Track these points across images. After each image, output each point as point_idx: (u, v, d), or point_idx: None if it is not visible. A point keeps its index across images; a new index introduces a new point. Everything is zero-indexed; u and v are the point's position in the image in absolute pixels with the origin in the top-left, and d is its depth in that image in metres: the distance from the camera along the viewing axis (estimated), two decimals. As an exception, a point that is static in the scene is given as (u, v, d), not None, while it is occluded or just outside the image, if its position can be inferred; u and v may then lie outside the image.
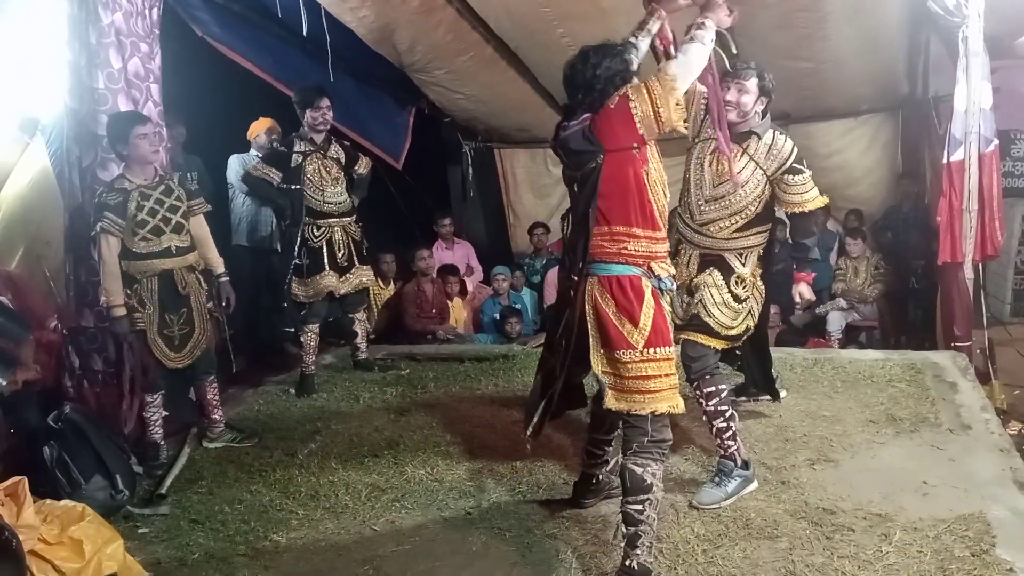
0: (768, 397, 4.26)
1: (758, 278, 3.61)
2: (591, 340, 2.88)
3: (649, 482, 2.82)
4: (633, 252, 2.82)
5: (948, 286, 5.49)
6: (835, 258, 7.59)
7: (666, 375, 2.85)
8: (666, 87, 2.76)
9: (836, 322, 7.22)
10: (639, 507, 2.82)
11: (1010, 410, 5.01)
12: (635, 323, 2.79)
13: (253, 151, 6.01)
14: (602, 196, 2.79)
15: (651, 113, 2.75)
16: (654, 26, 3.08)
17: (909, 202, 7.26)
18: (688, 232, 3.65)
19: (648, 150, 2.83)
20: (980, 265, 5.43)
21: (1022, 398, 5.27)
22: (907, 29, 6.15)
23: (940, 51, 5.98)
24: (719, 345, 3.56)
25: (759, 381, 4.17)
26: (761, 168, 3.49)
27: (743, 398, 4.42)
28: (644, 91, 2.77)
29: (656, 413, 2.84)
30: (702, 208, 3.55)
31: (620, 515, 2.90)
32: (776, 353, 4.64)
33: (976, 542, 3.03)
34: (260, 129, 6.04)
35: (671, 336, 2.91)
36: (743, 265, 3.55)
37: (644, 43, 3.08)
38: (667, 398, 2.85)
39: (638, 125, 2.76)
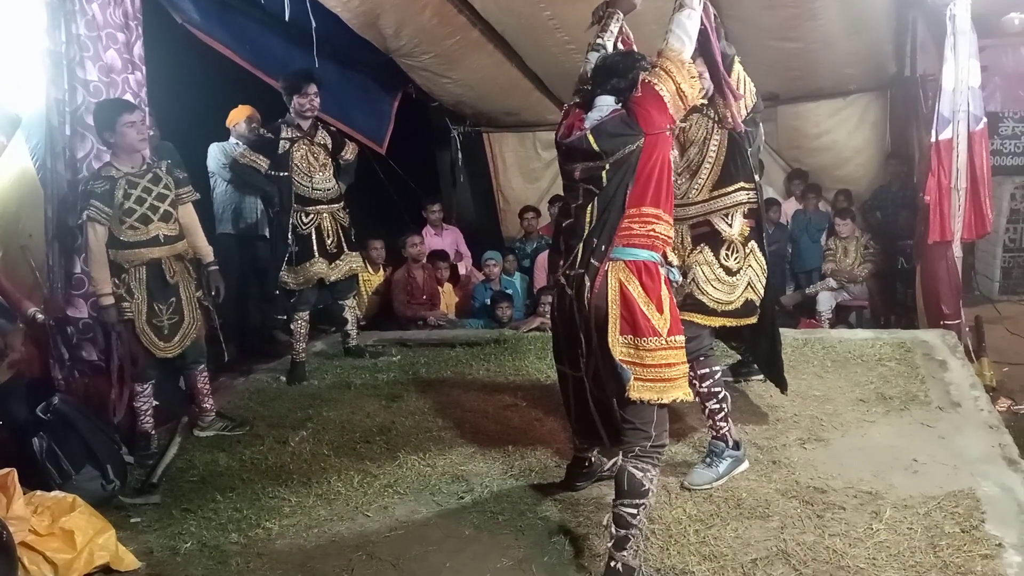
0: (760, 378, 4.27)
1: (756, 251, 3.55)
2: (611, 326, 2.83)
3: (647, 487, 2.82)
4: (659, 234, 2.88)
5: (935, 265, 5.50)
6: (825, 238, 7.60)
7: (682, 363, 2.89)
8: (676, 62, 2.87)
9: (826, 302, 7.25)
10: (633, 511, 2.80)
11: (999, 387, 5.05)
12: (660, 309, 2.82)
13: (233, 139, 5.95)
14: (637, 179, 2.83)
15: (675, 91, 2.84)
16: (615, 26, 3.20)
17: (898, 182, 7.27)
18: (679, 211, 3.63)
19: (669, 136, 2.93)
20: (968, 243, 5.44)
21: (1011, 375, 5.31)
22: (894, 8, 6.15)
23: (927, 30, 5.98)
24: (716, 323, 3.54)
25: (766, 368, 4.06)
26: (706, 115, 3.50)
27: (737, 379, 4.43)
28: (662, 72, 2.86)
29: (674, 401, 2.86)
30: (679, 183, 3.58)
31: (611, 515, 2.86)
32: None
33: (966, 518, 3.05)
34: (239, 117, 5.93)
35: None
36: (729, 226, 3.52)
37: (610, 43, 3.19)
38: (683, 386, 2.88)
39: (668, 105, 2.83)
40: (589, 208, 2.91)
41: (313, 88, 4.99)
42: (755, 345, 4.00)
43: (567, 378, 3.13)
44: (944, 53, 5.15)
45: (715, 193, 3.52)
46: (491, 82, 7.33)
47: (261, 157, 4.98)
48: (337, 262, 5.17)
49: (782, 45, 6.39)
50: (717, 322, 3.55)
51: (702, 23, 3.09)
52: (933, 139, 5.29)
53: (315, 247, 5.06)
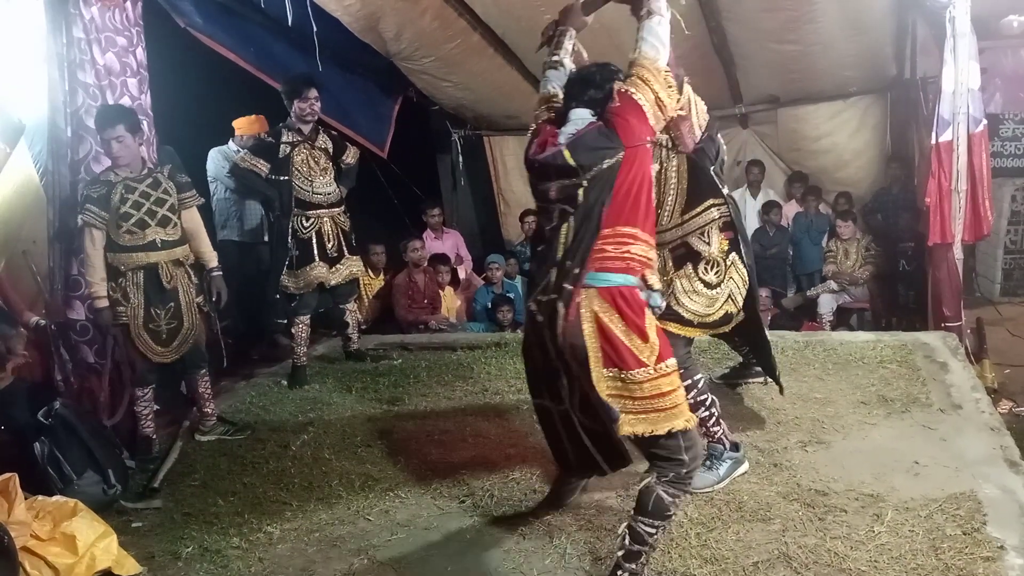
0: (762, 380, 4.27)
1: (736, 263, 3.53)
2: (592, 361, 2.67)
3: (672, 512, 2.73)
4: (635, 256, 2.70)
5: (937, 267, 5.50)
6: (826, 241, 7.60)
7: (676, 389, 2.70)
8: (652, 69, 2.76)
9: (827, 304, 7.25)
10: (652, 530, 2.71)
11: (1000, 389, 5.05)
12: (645, 338, 2.65)
13: (233, 144, 5.96)
14: (614, 195, 2.67)
15: (654, 99, 2.74)
16: (568, 44, 3.10)
17: (898, 184, 7.27)
18: (655, 238, 3.66)
19: (650, 148, 2.81)
20: (969, 245, 5.44)
21: (1012, 377, 5.31)
22: (894, 10, 6.14)
23: (927, 32, 5.98)
24: (693, 334, 3.55)
25: (763, 370, 4.09)
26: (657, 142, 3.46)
27: (739, 381, 4.43)
28: (638, 80, 2.75)
29: (674, 431, 2.68)
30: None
31: (627, 527, 2.76)
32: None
33: (967, 520, 3.05)
34: (249, 130, 5.90)
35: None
36: (708, 244, 3.51)
37: (567, 60, 3.10)
38: (684, 412, 2.70)
39: (648, 115, 2.73)
40: (564, 229, 2.74)
41: (313, 92, 5.00)
42: (746, 347, 4.04)
43: (550, 412, 2.97)
44: (944, 55, 5.16)
45: (686, 216, 3.50)
46: (492, 85, 7.33)
47: (262, 161, 4.99)
48: (338, 266, 5.18)
49: (782, 47, 6.40)
50: (693, 333, 3.54)
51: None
52: (933, 141, 5.29)
53: (315, 251, 5.06)
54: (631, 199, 2.69)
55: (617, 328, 2.64)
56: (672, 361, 2.70)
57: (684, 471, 2.71)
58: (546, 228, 2.82)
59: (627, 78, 2.79)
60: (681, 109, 3.24)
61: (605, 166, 2.67)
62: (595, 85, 2.80)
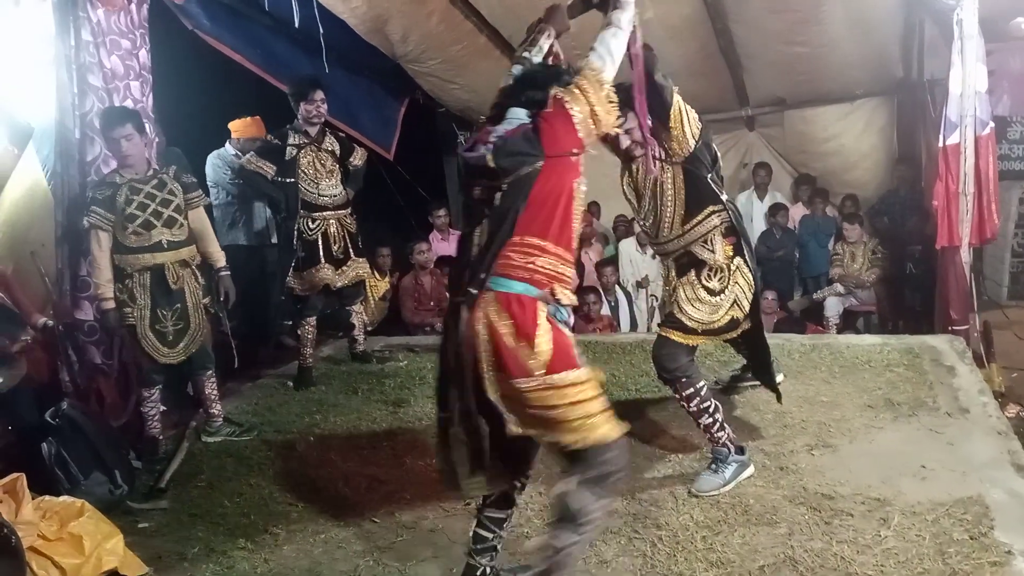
0: (753, 383, 4.27)
1: (742, 267, 3.53)
2: (484, 365, 2.56)
3: (583, 520, 2.53)
4: (540, 268, 2.57)
5: (945, 270, 5.49)
6: (832, 243, 7.59)
7: (574, 403, 2.51)
8: (592, 80, 2.62)
9: (834, 307, 7.23)
10: (568, 538, 2.52)
11: (1008, 393, 5.01)
12: (532, 346, 2.50)
13: (230, 147, 5.97)
14: (528, 204, 2.54)
15: (588, 112, 2.59)
16: (545, 43, 2.95)
17: (905, 186, 7.25)
18: (658, 248, 3.71)
19: (581, 162, 2.64)
20: (976, 248, 5.42)
21: (1020, 381, 5.27)
22: (901, 12, 6.14)
23: (935, 34, 5.97)
24: (697, 342, 3.55)
25: (759, 376, 4.06)
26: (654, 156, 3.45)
27: (744, 384, 4.42)
28: (576, 90, 2.60)
29: (563, 445, 2.52)
30: (648, 227, 3.64)
31: (543, 540, 2.61)
32: (773, 339, 4.62)
33: (974, 525, 3.04)
34: (246, 133, 5.92)
35: (578, 360, 2.59)
36: (712, 251, 3.50)
37: (538, 59, 2.97)
38: (577, 430, 2.51)
39: (578, 127, 2.58)
40: (479, 231, 2.63)
41: (320, 95, 5.01)
42: (747, 355, 4.04)
43: (452, 423, 2.73)
44: (951, 57, 5.15)
45: (687, 227, 3.50)
46: (498, 87, 7.33)
47: (267, 163, 4.99)
48: (344, 268, 5.18)
49: (789, 49, 6.39)
50: (696, 341, 3.54)
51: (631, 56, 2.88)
52: (940, 144, 5.27)
53: (321, 253, 5.06)
54: (545, 210, 2.56)
55: (506, 333, 2.53)
56: (572, 373, 2.53)
57: (594, 472, 2.54)
58: (466, 231, 2.72)
59: (566, 86, 2.65)
60: (626, 129, 3.19)
61: (523, 172, 2.54)
62: (536, 85, 2.67)
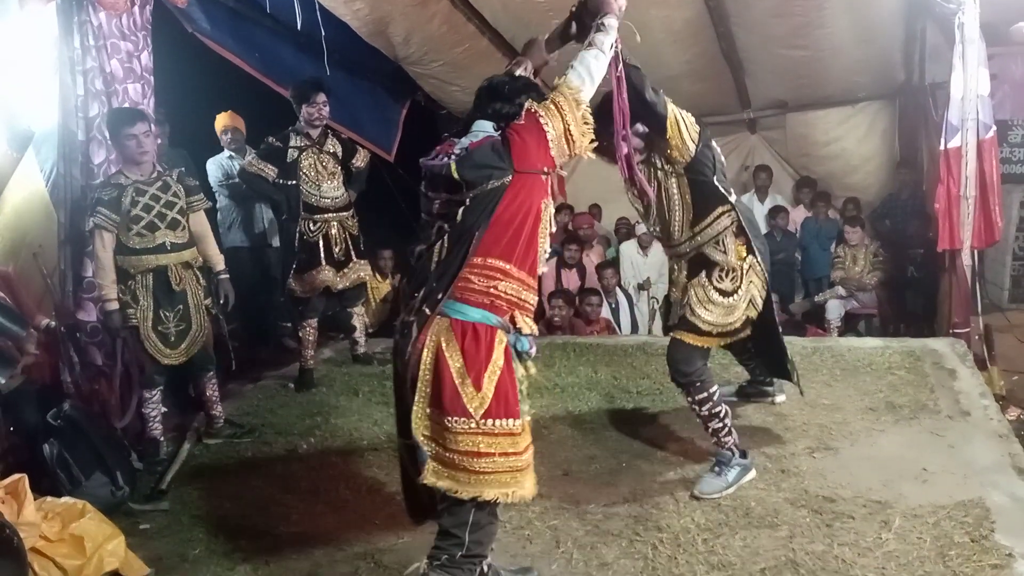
0: (769, 400, 4.29)
1: (754, 264, 3.51)
2: (417, 395, 2.44)
3: None
4: (501, 293, 2.45)
5: (946, 273, 5.49)
6: (834, 246, 7.58)
7: (503, 454, 2.42)
8: (569, 98, 2.54)
9: (835, 310, 7.22)
10: None
11: (1009, 396, 5.01)
12: (478, 386, 2.38)
13: (226, 152, 6.07)
14: (492, 223, 2.42)
15: (563, 131, 2.50)
16: (518, 72, 2.84)
17: (907, 190, 7.25)
18: (671, 252, 3.70)
19: (550, 182, 2.55)
20: (978, 252, 5.42)
21: (1021, 384, 5.27)
22: (903, 16, 6.14)
23: (937, 38, 5.97)
24: (712, 343, 3.54)
25: (776, 370, 4.04)
26: (651, 166, 3.49)
27: (746, 397, 4.40)
28: (552, 107, 2.52)
29: (480, 499, 2.44)
30: (657, 233, 3.67)
31: None
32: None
33: (975, 528, 3.04)
34: (219, 126, 6.17)
35: (519, 409, 2.48)
36: (724, 252, 3.50)
37: None
38: (498, 483, 2.43)
39: (551, 145, 2.49)
40: (438, 248, 2.51)
41: (322, 97, 5.01)
42: (762, 351, 3.98)
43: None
44: (953, 61, 5.15)
45: (697, 229, 3.50)
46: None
47: (269, 165, 5.00)
48: (345, 270, 5.18)
49: (791, 53, 6.39)
50: (712, 342, 3.54)
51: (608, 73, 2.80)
52: (942, 147, 5.28)
53: (322, 255, 5.07)
54: (511, 231, 2.44)
55: (453, 366, 2.40)
56: (507, 423, 2.43)
57: (459, 554, 2.47)
58: (423, 247, 2.59)
59: (542, 101, 2.57)
60: (600, 153, 3.07)
61: (489, 187, 2.42)
62: (503, 98, 2.57)
